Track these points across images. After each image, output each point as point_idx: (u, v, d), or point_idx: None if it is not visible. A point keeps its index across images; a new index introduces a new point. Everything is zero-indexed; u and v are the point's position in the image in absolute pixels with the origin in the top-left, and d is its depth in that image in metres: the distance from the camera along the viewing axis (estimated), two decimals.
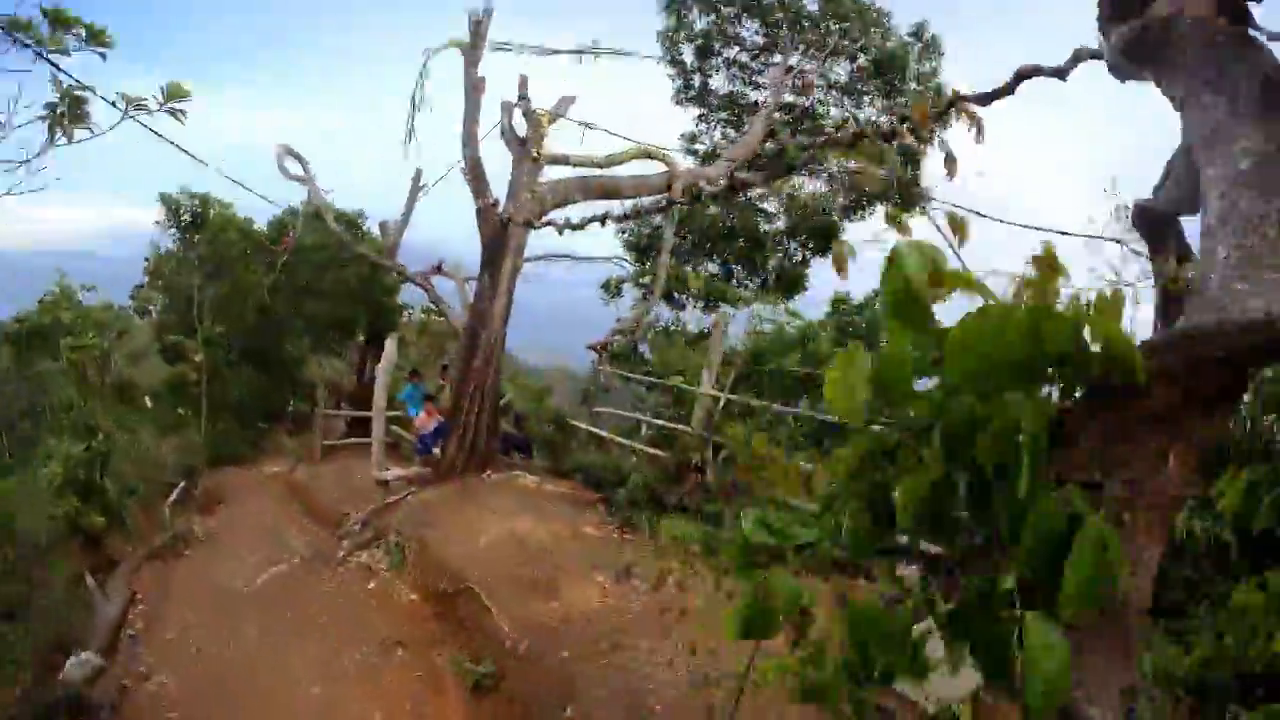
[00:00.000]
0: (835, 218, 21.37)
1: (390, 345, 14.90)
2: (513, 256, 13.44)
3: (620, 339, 17.98)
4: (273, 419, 22.71)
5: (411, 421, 16.39)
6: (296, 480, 16.88)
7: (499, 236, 13.36)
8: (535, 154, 13.47)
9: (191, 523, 13.46)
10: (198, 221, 22.08)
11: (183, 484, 15.15)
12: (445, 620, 9.01)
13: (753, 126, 16.88)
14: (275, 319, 21.67)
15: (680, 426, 12.52)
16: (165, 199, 21.86)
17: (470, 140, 13.91)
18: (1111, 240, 13.96)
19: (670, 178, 14.57)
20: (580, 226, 10.42)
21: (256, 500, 15.63)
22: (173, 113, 4.75)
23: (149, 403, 19.68)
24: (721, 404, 11.84)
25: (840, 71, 20.40)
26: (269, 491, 16.37)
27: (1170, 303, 5.84)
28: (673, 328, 21.98)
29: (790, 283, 22.66)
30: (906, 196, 20.34)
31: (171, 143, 6.35)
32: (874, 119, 19.84)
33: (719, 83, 21.58)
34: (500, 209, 13.50)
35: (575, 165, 14.24)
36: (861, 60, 19.85)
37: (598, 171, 14.43)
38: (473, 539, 10.14)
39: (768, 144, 15.99)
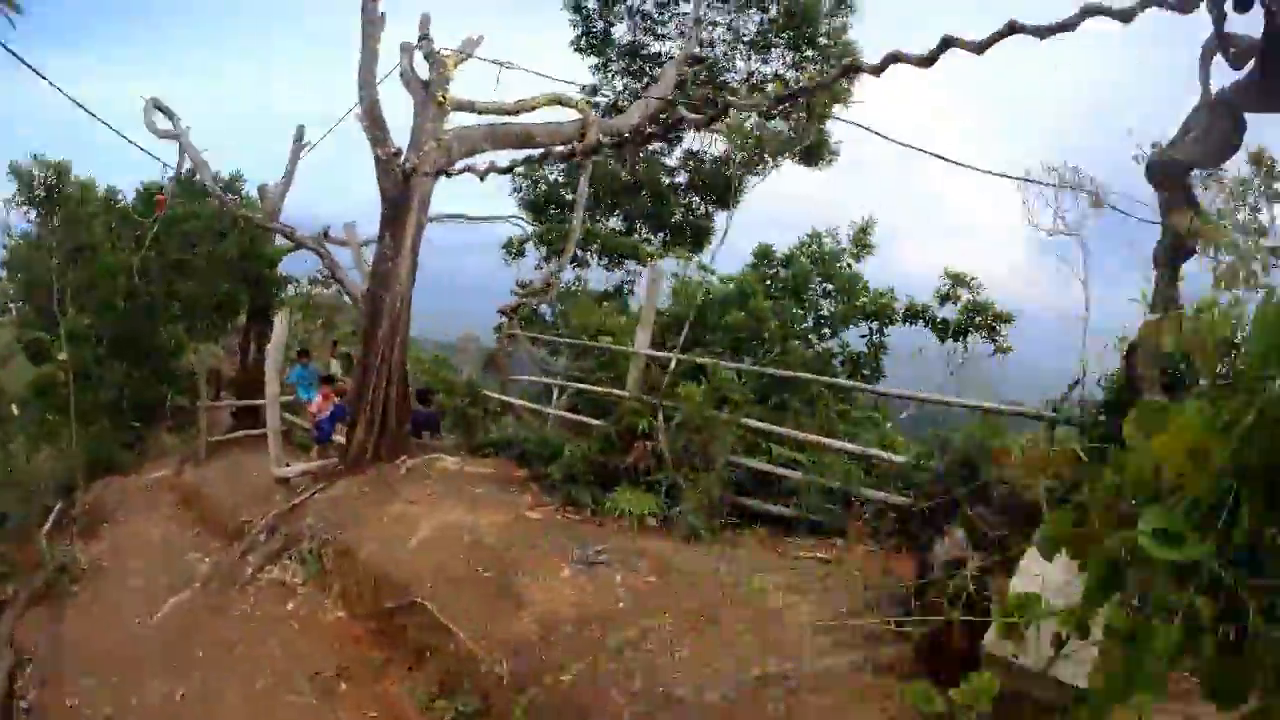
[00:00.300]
0: (740, 171, 21.09)
1: (280, 322, 13.52)
2: (417, 212, 12.11)
3: (532, 301, 16.77)
4: (151, 417, 20.32)
5: (304, 406, 15.04)
6: (185, 484, 15.13)
7: (402, 190, 11.99)
8: (440, 98, 12.05)
9: (74, 551, 11.98)
10: (54, 195, 19.42)
11: (59, 505, 13.31)
12: (388, 640, 7.78)
13: (664, 75, 16.39)
14: (146, 303, 19.03)
15: (618, 391, 11.45)
16: (15, 170, 19.21)
17: (367, 83, 12.36)
18: (1048, 185, 13.63)
19: (584, 126, 13.45)
20: (508, 170, 9.18)
21: (144, 514, 13.90)
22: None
23: (15, 411, 17.44)
24: (674, 364, 10.79)
25: (749, 25, 20.06)
26: (156, 502, 14.58)
27: (1179, 251, 5.25)
28: (575, 287, 21.23)
29: (695, 236, 22.55)
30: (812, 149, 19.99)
31: (12, 53, 4.86)
32: (779, 73, 19.39)
33: (621, 31, 21.08)
34: (403, 159, 12.08)
35: (482, 112, 12.93)
36: (772, 12, 19.48)
37: (507, 118, 13.18)
38: (401, 538, 8.98)
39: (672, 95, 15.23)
